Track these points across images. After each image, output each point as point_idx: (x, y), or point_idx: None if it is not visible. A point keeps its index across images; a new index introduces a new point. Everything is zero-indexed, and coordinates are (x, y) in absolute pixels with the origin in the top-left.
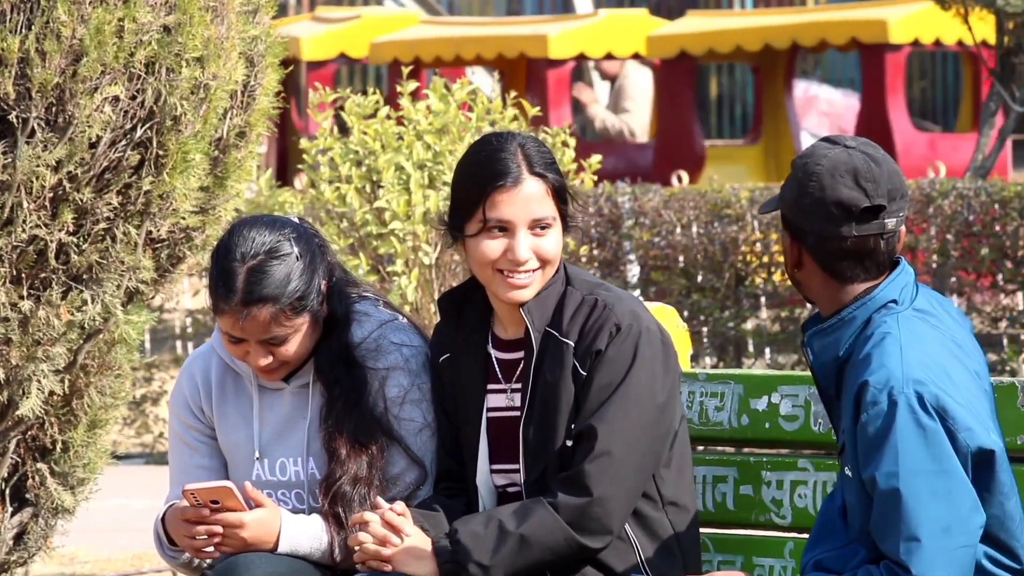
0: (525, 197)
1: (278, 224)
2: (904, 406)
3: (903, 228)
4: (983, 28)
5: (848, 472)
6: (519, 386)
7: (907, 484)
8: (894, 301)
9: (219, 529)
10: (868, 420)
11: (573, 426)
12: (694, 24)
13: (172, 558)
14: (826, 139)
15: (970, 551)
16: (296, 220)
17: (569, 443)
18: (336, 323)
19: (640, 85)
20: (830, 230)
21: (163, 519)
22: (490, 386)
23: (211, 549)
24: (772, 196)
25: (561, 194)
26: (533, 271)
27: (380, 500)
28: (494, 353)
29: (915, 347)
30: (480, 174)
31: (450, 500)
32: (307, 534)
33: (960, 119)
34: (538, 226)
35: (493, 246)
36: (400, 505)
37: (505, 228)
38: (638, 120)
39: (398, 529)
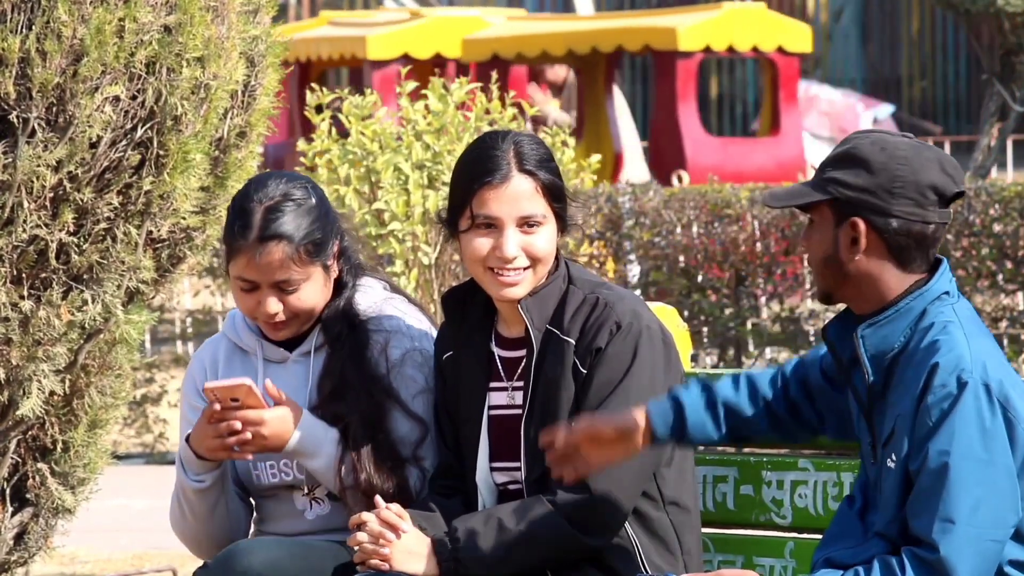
0: (512, 194)
1: (296, 176)
2: (972, 390)
3: None
4: (792, 34)
5: (891, 463)
6: (520, 384)
7: (956, 465)
8: (946, 293)
9: (239, 426)
10: (934, 402)
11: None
12: (506, 29)
13: (197, 482)
14: (869, 132)
15: (999, 546)
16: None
17: None
18: (344, 287)
19: None
20: (919, 213)
21: (187, 440)
22: (492, 384)
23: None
24: (775, 192)
25: (555, 192)
26: (523, 269)
27: (378, 499)
28: (497, 351)
29: (976, 337)
30: (471, 171)
31: (447, 500)
32: (320, 436)
33: (761, 123)
34: (526, 223)
35: (482, 243)
36: (397, 506)
37: (493, 225)
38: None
39: (395, 527)
